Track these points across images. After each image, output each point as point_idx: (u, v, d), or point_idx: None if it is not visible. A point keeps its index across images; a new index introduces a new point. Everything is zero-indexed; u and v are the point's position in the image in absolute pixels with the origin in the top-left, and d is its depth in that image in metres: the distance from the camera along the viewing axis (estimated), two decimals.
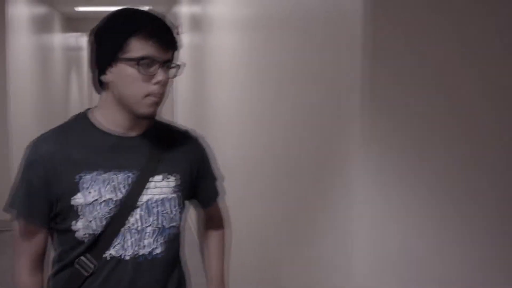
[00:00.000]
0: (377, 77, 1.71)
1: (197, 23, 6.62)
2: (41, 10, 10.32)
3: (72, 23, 13.69)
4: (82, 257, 1.71)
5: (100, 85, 1.71)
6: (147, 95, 1.64)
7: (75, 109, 12.49)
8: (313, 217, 2.23)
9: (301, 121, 2.41)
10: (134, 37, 1.60)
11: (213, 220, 2.05)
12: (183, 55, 6.93)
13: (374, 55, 1.70)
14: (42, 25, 10.35)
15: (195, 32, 6.91)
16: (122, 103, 1.67)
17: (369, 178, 1.74)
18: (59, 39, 12.70)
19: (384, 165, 1.74)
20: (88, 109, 1.78)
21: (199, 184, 1.91)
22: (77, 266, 1.72)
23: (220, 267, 2.02)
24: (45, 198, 1.68)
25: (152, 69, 1.62)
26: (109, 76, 1.65)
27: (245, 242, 3.61)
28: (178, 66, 1.70)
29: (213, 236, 2.04)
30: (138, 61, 1.60)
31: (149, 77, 1.62)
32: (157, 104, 1.68)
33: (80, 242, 1.70)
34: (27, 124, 8.04)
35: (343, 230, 1.90)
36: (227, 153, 4.31)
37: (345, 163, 1.87)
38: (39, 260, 1.78)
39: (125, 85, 1.64)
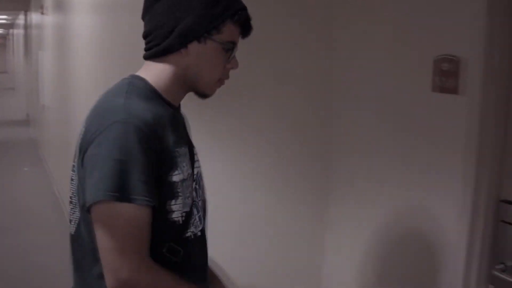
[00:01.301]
0: None
1: (60, 4, 6.77)
2: None
3: None
4: (171, 243, 1.46)
5: (160, 54, 1.51)
6: (219, 79, 1.55)
7: None
8: None
9: None
10: (231, 20, 1.48)
11: None
12: (47, 34, 7.12)
13: None
14: None
15: (59, 13, 7.05)
16: (185, 79, 1.51)
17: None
18: None
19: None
20: (133, 75, 1.56)
21: None
22: (166, 253, 1.45)
23: None
24: (155, 175, 1.39)
25: (233, 56, 1.53)
26: (189, 50, 1.48)
27: None
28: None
29: None
30: (232, 46, 1.51)
31: (228, 63, 1.53)
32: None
33: (172, 224, 1.45)
34: None
35: None
36: None
37: None
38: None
39: (206, 65, 1.50)
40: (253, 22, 1.52)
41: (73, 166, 1.51)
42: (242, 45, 1.55)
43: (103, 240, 1.33)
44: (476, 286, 1.90)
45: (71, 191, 1.52)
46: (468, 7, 1.82)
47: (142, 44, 2.82)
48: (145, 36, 1.55)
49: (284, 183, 2.52)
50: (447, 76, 1.88)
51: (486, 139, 1.82)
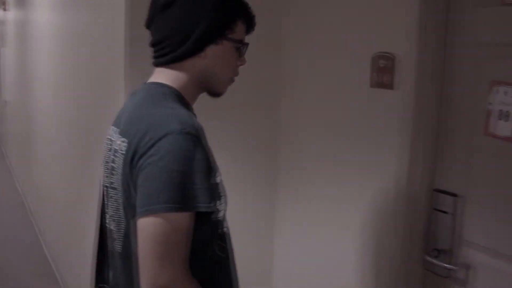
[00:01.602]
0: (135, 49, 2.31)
1: (22, 0, 6.75)
2: None
3: None
4: (218, 241, 1.48)
5: (177, 60, 1.50)
6: (232, 77, 1.58)
7: None
8: None
9: (90, 80, 2.97)
10: (240, 19, 1.51)
11: None
12: (10, 29, 7.08)
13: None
14: None
15: (20, 9, 7.02)
16: (202, 81, 1.53)
17: None
18: None
19: None
20: (155, 83, 1.52)
21: None
22: (218, 252, 1.47)
23: None
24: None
25: (244, 53, 1.58)
26: (206, 53, 1.49)
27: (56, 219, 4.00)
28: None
29: None
30: (245, 44, 1.55)
31: (238, 60, 1.56)
32: None
33: (218, 223, 1.46)
34: None
35: None
36: (46, 115, 4.69)
37: None
38: None
39: (222, 65, 1.52)
40: None
41: (111, 183, 1.47)
42: None
43: (147, 245, 1.29)
44: (411, 271, 2.01)
45: (112, 208, 1.49)
46: (402, 6, 1.92)
47: (103, 39, 2.88)
48: (154, 43, 1.52)
49: (231, 181, 2.58)
50: (383, 72, 1.98)
51: (419, 131, 1.92)
